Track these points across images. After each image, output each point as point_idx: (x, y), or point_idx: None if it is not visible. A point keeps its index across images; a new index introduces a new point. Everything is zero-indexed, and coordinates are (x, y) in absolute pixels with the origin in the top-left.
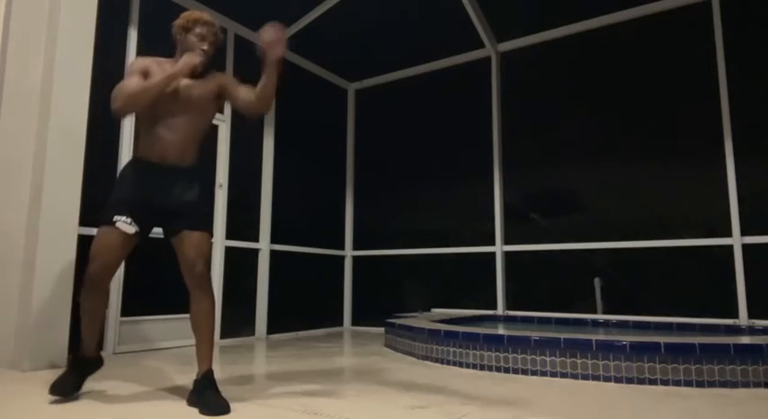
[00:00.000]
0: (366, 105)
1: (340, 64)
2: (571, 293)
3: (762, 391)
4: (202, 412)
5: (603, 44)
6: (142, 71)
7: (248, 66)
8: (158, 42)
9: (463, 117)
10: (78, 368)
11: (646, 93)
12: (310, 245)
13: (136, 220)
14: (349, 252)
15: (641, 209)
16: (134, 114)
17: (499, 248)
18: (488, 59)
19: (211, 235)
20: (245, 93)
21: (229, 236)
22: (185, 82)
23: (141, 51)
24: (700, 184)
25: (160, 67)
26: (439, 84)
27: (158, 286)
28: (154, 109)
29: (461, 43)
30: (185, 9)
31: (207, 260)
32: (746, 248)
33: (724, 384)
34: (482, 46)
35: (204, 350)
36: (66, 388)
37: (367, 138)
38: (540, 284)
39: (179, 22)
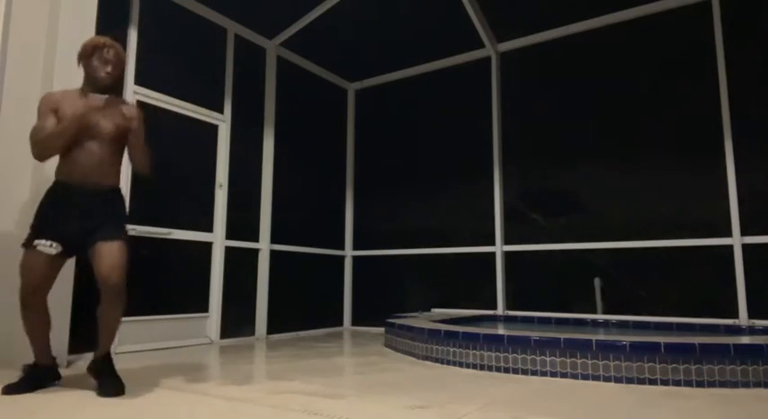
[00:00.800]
0: (366, 105)
1: (340, 64)
2: (571, 293)
3: (762, 391)
4: (99, 393)
5: (603, 44)
6: (52, 110)
7: (248, 67)
8: (158, 42)
9: (463, 117)
10: (32, 375)
11: (646, 93)
12: (310, 245)
13: (59, 240)
14: (349, 252)
15: (641, 209)
16: None
17: (499, 248)
18: (488, 59)
19: (127, 243)
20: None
21: (229, 236)
22: (96, 112)
23: (141, 51)
24: (700, 184)
25: (69, 103)
26: (439, 84)
27: (158, 286)
28: (71, 133)
29: (461, 43)
30: (185, 9)
31: (122, 269)
32: (746, 248)
33: (724, 384)
34: (482, 46)
35: (106, 339)
36: (18, 392)
37: (367, 138)
38: (540, 284)
39: (79, 51)
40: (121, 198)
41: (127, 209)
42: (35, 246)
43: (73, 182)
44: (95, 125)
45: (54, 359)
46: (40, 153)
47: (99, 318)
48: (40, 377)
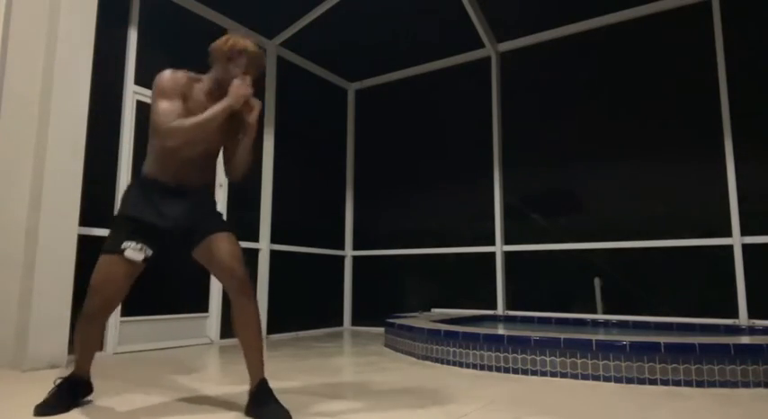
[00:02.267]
0: (366, 105)
1: (340, 64)
2: (571, 293)
3: (762, 391)
4: None
5: (603, 44)
6: (181, 96)
7: None
8: (158, 42)
9: (463, 117)
10: (66, 391)
11: (646, 93)
12: (310, 245)
13: (148, 244)
14: (349, 252)
15: (641, 209)
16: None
17: (499, 248)
18: (488, 59)
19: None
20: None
21: (119, 247)
22: (206, 103)
23: (141, 51)
24: (700, 184)
25: (195, 91)
26: (439, 84)
27: (158, 286)
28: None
29: (461, 43)
30: (185, 9)
31: (243, 261)
32: (746, 248)
33: (724, 384)
34: (482, 46)
35: (254, 359)
36: (53, 412)
37: (367, 138)
38: (540, 284)
39: (223, 47)
40: (214, 199)
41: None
42: (123, 250)
43: (168, 181)
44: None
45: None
46: (184, 144)
47: (238, 333)
48: (75, 392)
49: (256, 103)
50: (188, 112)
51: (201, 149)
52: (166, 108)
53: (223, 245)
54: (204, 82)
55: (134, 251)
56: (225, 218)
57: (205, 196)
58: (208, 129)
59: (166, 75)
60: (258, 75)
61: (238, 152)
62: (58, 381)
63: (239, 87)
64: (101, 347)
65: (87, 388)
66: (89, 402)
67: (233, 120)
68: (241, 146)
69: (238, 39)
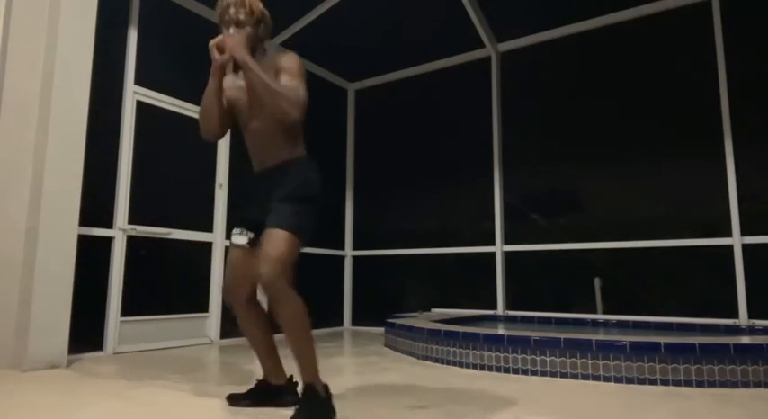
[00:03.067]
0: (366, 105)
1: (340, 64)
2: (571, 293)
3: (762, 391)
4: None
5: (603, 44)
6: None
7: None
8: (158, 42)
9: (463, 117)
10: (258, 390)
11: (646, 93)
12: (310, 245)
13: (249, 228)
14: (349, 252)
15: (641, 209)
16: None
17: (499, 248)
18: (488, 59)
19: (298, 233)
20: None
21: (229, 236)
22: (237, 79)
23: (141, 51)
24: (700, 184)
25: None
26: (439, 84)
27: (158, 286)
28: (234, 118)
29: (461, 43)
30: (185, 9)
31: (278, 263)
32: (746, 248)
33: (724, 384)
34: (482, 46)
35: (297, 361)
36: (239, 404)
37: (367, 138)
38: (540, 284)
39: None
40: (298, 170)
41: (306, 187)
42: (231, 237)
43: (254, 167)
44: (241, 88)
45: (289, 379)
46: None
47: (284, 336)
48: (267, 393)
49: (225, 40)
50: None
51: (254, 127)
52: (300, 90)
53: (264, 245)
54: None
55: (236, 236)
56: (302, 201)
57: (283, 173)
58: (209, 96)
59: (299, 60)
60: (249, 14)
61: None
62: (258, 380)
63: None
64: (268, 347)
65: (284, 395)
66: (290, 407)
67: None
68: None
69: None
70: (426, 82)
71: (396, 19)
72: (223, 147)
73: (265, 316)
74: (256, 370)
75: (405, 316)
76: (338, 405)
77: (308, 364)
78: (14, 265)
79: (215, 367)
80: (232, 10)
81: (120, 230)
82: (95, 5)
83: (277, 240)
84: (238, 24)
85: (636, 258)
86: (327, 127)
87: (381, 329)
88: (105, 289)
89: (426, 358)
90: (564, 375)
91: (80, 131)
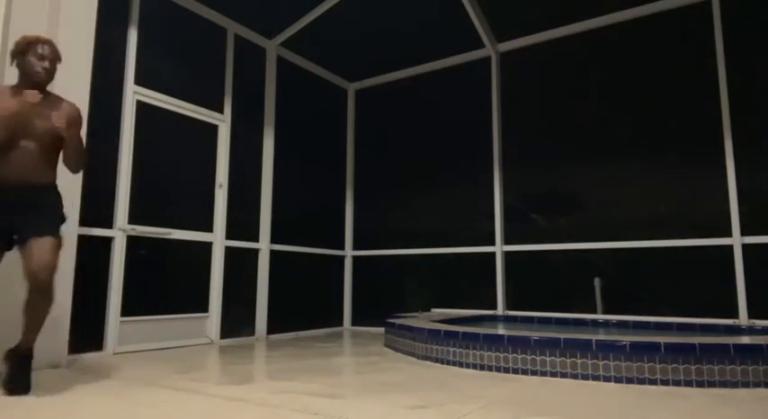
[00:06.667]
0: (366, 105)
1: (340, 64)
2: (571, 293)
3: (762, 391)
4: (4, 385)
5: (603, 44)
6: None
7: (248, 67)
8: (158, 42)
9: (463, 117)
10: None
11: (646, 93)
12: (310, 245)
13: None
14: (349, 252)
15: (641, 209)
16: None
17: (499, 248)
18: (488, 59)
19: (58, 239)
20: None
21: (229, 236)
22: (31, 110)
23: (141, 51)
24: (700, 184)
25: (2, 101)
26: (439, 84)
27: (158, 286)
28: (4, 132)
29: (461, 43)
30: (185, 9)
31: (52, 267)
32: (746, 248)
33: (724, 384)
34: (482, 46)
35: (30, 333)
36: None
37: (367, 138)
38: (540, 284)
39: (13, 48)
40: (57, 195)
41: (63, 208)
42: None
43: (8, 181)
44: (30, 123)
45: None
46: None
47: (25, 314)
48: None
49: (64, 115)
50: None
51: (30, 154)
52: None
53: (36, 249)
54: (12, 87)
55: None
56: (61, 219)
57: (44, 196)
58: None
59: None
60: (57, 60)
61: (64, 154)
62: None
63: (8, 107)
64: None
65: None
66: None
67: (54, 133)
68: (64, 150)
69: (26, 35)
70: (426, 82)
71: (396, 19)
72: (223, 147)
73: None
74: (257, 370)
75: (405, 316)
76: (338, 404)
77: (36, 334)
78: (14, 265)
79: (215, 367)
80: (50, 64)
81: (120, 230)
82: (95, 5)
83: (52, 246)
84: (49, 79)
85: (636, 258)
86: (327, 127)
87: (381, 329)
88: (105, 289)
89: (426, 358)
90: (564, 375)
91: None
